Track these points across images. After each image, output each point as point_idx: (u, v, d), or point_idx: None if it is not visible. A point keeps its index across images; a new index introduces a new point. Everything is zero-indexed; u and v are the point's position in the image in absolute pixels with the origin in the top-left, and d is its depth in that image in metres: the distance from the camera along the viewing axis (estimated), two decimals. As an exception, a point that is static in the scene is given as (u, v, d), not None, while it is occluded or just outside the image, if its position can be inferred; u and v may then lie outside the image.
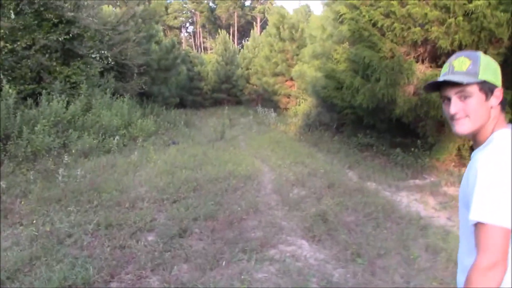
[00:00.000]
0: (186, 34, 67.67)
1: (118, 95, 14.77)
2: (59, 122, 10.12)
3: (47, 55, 12.04)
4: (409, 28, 8.65)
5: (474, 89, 1.52)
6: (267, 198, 7.08)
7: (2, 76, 10.28)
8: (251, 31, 36.37)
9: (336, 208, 6.27)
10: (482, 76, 1.52)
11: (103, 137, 10.93)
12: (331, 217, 5.81)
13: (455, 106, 1.54)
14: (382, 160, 10.81)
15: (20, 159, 7.98)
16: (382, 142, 11.64)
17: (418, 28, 8.43)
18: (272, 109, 22.15)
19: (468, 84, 1.51)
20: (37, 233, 4.79)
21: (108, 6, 19.04)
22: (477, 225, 1.38)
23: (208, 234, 5.22)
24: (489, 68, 1.55)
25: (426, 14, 8.04)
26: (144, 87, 18.29)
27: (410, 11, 8.33)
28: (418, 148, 9.72)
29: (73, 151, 9.18)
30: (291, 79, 22.29)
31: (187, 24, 67.94)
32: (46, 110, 10.00)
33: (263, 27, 43.82)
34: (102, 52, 15.42)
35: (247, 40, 39.84)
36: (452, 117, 1.56)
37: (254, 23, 59.85)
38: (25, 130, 8.51)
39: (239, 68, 31.84)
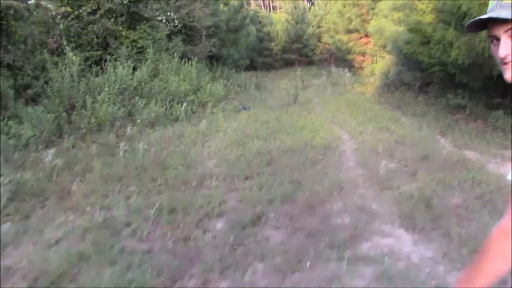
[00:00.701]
0: (254, -6, 66.26)
1: (186, 59, 14.11)
2: (125, 90, 9.65)
3: (112, 20, 11.64)
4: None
5: None
6: (352, 174, 6.14)
7: (65, 43, 9.93)
8: (322, -14, 34.58)
9: (437, 187, 5.24)
10: None
11: (171, 104, 10.38)
12: (433, 199, 4.82)
13: (505, 47, 1.12)
14: (478, 124, 9.58)
15: (84, 131, 7.54)
16: (476, 103, 10.30)
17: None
18: (346, 68, 21.04)
19: None
20: (89, 225, 4.18)
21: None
22: None
23: (286, 222, 4.41)
24: None
25: None
26: (213, 49, 17.58)
27: None
28: (525, 109, 8.38)
29: (139, 121, 8.65)
30: (366, 35, 20.78)
31: (255, -17, 66.40)
32: (111, 77, 9.54)
33: (334, -19, 41.60)
34: (169, 14, 14.91)
35: (318, -3, 38.16)
36: (502, 61, 1.14)
37: (325, -22, 57.25)
38: (88, 99, 8.05)
39: (310, 27, 30.46)
